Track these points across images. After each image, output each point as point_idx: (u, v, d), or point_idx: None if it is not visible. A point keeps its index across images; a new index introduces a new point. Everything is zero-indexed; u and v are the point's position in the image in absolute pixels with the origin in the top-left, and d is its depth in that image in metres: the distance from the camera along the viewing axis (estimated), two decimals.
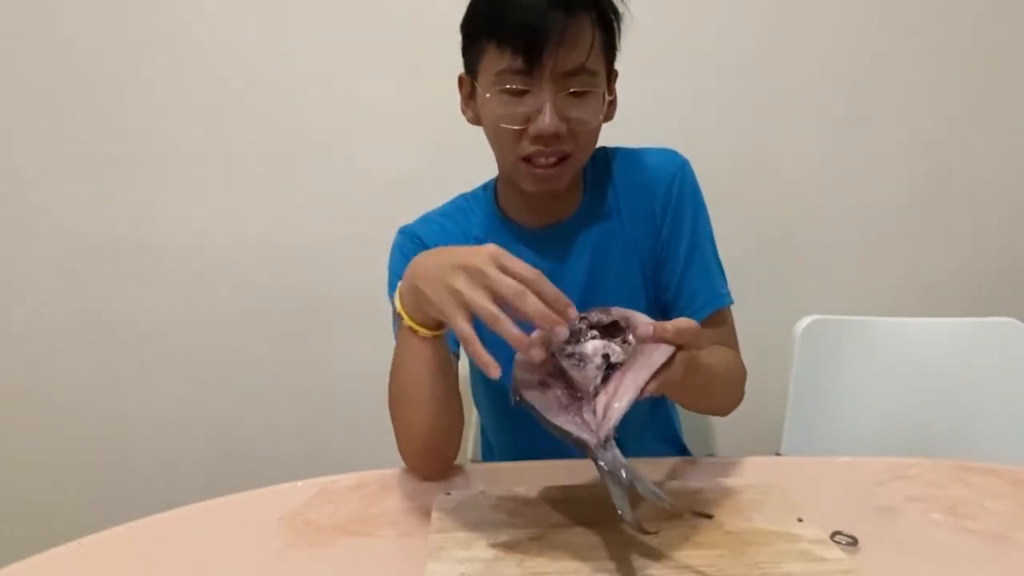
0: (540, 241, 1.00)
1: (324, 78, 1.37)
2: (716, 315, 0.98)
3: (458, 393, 0.87)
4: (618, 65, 0.95)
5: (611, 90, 0.95)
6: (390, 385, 0.87)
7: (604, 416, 0.65)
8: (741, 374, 0.97)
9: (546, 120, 0.85)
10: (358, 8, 1.35)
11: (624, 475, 0.62)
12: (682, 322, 0.69)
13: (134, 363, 1.45)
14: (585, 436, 0.63)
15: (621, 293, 1.00)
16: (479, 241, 1.00)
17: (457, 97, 1.36)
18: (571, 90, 0.86)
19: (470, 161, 1.41)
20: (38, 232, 1.40)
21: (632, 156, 1.02)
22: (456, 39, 1.35)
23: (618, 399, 0.65)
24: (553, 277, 0.98)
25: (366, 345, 1.43)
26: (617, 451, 0.63)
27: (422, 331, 0.79)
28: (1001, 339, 1.21)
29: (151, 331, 1.44)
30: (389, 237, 1.41)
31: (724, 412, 0.96)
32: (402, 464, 0.89)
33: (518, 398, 0.68)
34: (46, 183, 1.39)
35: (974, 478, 0.83)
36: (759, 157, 1.41)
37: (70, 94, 1.36)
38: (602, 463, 0.62)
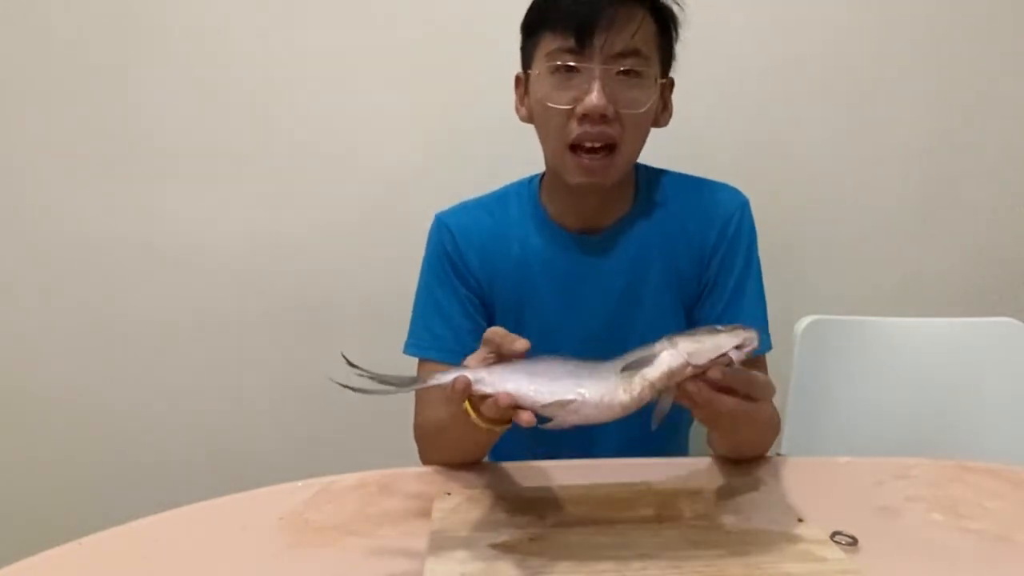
0: (578, 244, 0.98)
1: (323, 78, 1.37)
2: (751, 361, 0.93)
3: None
4: None
5: (666, 97, 0.95)
6: (427, 430, 0.92)
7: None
8: (775, 430, 0.93)
9: (593, 97, 0.84)
10: (359, 8, 1.35)
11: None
12: (758, 376, 0.70)
13: (134, 362, 1.45)
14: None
15: (655, 312, 0.99)
16: (516, 240, 1.00)
17: (457, 98, 1.38)
18: (621, 68, 0.86)
19: (470, 161, 1.41)
20: (38, 231, 1.40)
21: (694, 182, 1.02)
22: (453, 39, 1.37)
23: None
24: (587, 283, 0.99)
25: (367, 344, 1.42)
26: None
27: (487, 427, 0.76)
28: (1000, 339, 1.21)
29: (150, 330, 1.44)
30: (389, 236, 1.42)
31: (745, 457, 0.92)
32: (402, 464, 0.89)
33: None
34: (45, 182, 1.38)
35: (974, 478, 0.83)
36: (759, 157, 1.40)
37: (71, 93, 1.36)
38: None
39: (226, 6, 1.34)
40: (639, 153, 0.95)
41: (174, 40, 1.35)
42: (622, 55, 0.86)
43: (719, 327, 0.66)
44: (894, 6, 1.37)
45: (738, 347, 0.65)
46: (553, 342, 0.97)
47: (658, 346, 0.65)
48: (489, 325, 1.01)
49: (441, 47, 1.36)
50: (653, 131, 1.00)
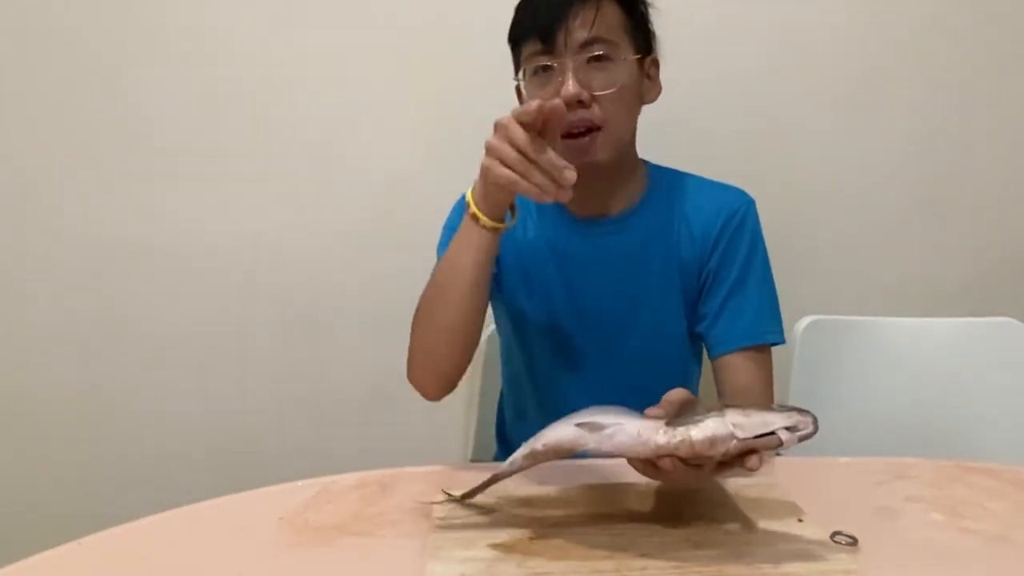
0: (585, 229, 1.04)
1: (323, 78, 1.37)
2: (751, 350, 0.99)
3: (486, 301, 0.92)
4: None
5: (651, 73, 1.01)
6: (427, 288, 0.93)
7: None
8: None
9: (569, 86, 0.92)
10: (357, 8, 1.35)
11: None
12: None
13: (134, 362, 1.45)
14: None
15: (657, 301, 1.03)
16: (527, 222, 1.06)
17: (457, 98, 1.38)
18: (591, 55, 0.93)
19: (469, 160, 1.41)
20: (37, 232, 1.40)
21: (703, 183, 1.08)
22: (453, 39, 1.37)
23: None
24: (591, 266, 1.03)
25: (366, 344, 1.43)
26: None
27: (485, 220, 0.85)
28: (1000, 339, 1.21)
29: (150, 331, 1.44)
30: (388, 236, 1.42)
31: None
32: (402, 464, 0.89)
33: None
34: (46, 183, 1.39)
35: (974, 478, 0.83)
36: (759, 157, 1.40)
37: (71, 93, 1.36)
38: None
39: (226, 6, 1.34)
40: (629, 129, 1.01)
41: (174, 40, 1.35)
42: (587, 44, 0.93)
43: (772, 406, 0.65)
44: (893, 5, 1.37)
45: (789, 428, 0.63)
46: (557, 322, 1.01)
47: (708, 414, 0.64)
48: (499, 300, 1.07)
49: (441, 47, 1.36)
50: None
